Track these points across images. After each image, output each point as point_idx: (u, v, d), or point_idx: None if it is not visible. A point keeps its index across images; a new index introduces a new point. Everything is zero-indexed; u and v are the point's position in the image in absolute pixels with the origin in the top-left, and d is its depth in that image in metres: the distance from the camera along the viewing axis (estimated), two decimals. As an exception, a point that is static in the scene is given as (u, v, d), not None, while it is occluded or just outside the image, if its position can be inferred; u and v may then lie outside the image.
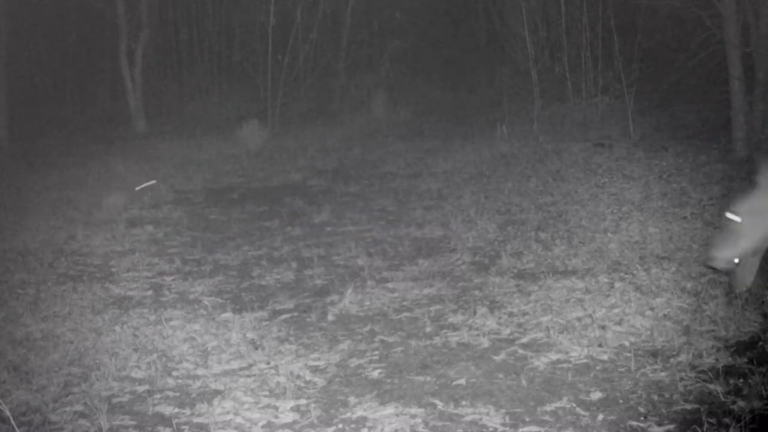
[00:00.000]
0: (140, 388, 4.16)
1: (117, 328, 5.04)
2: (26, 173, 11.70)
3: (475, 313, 4.93)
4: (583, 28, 13.54)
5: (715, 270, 4.03)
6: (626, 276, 5.30)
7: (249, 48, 19.01)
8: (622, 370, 3.98)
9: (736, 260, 4.36)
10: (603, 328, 4.47)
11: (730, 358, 3.97)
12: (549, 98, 13.65)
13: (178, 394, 4.09)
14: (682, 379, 3.79)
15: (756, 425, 3.32)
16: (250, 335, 4.84)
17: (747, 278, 4.41)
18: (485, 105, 15.11)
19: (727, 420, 3.36)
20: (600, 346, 4.27)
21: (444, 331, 4.73)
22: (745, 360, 3.90)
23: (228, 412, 3.82)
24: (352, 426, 3.63)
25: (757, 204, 3.93)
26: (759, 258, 4.41)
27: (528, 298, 5.09)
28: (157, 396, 4.07)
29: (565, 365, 4.10)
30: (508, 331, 4.64)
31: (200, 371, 4.37)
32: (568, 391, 3.79)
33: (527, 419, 3.57)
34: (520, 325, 4.70)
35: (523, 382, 3.94)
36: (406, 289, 5.58)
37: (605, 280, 5.26)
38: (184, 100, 18.79)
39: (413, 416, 3.66)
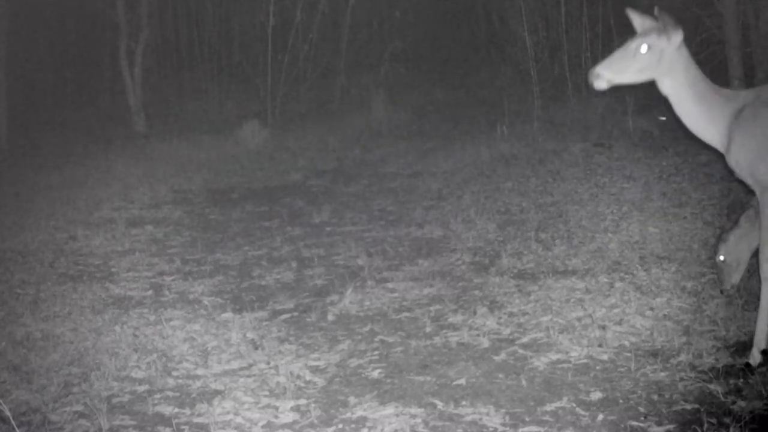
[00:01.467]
0: (140, 388, 4.16)
1: (117, 328, 5.05)
2: (26, 173, 11.69)
3: (475, 313, 4.93)
4: (583, 28, 13.53)
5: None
6: (626, 276, 5.30)
7: (249, 48, 18.99)
8: (622, 370, 3.98)
9: (722, 257, 4.40)
10: (603, 328, 4.47)
11: (730, 358, 3.97)
12: (549, 98, 13.63)
13: (178, 394, 4.09)
14: (682, 379, 3.80)
15: (756, 425, 3.32)
16: (250, 335, 4.84)
17: (734, 277, 4.45)
18: (485, 105, 15.10)
19: (727, 420, 3.36)
20: (600, 346, 4.27)
21: (444, 331, 4.73)
22: (745, 360, 3.90)
23: (228, 412, 3.83)
24: (352, 426, 3.63)
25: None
26: (747, 258, 4.44)
27: (528, 298, 5.09)
28: (157, 396, 4.07)
29: (565, 365, 4.10)
30: (508, 331, 4.64)
31: (200, 371, 4.37)
32: (568, 391, 3.80)
33: (527, 419, 3.57)
34: (520, 325, 4.70)
35: (523, 382, 3.94)
36: (406, 289, 5.58)
37: (605, 280, 5.26)
38: (184, 100, 18.77)
39: (413, 416, 3.67)
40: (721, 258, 4.44)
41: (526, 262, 5.92)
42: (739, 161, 3.89)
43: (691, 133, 4.08)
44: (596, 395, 3.74)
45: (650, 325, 4.47)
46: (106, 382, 4.21)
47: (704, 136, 4.04)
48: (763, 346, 3.88)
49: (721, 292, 4.55)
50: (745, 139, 3.84)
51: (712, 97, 3.99)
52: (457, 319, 4.89)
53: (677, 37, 3.93)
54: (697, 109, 3.97)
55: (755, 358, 3.86)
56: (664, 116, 8.82)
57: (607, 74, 4.03)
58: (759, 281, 4.74)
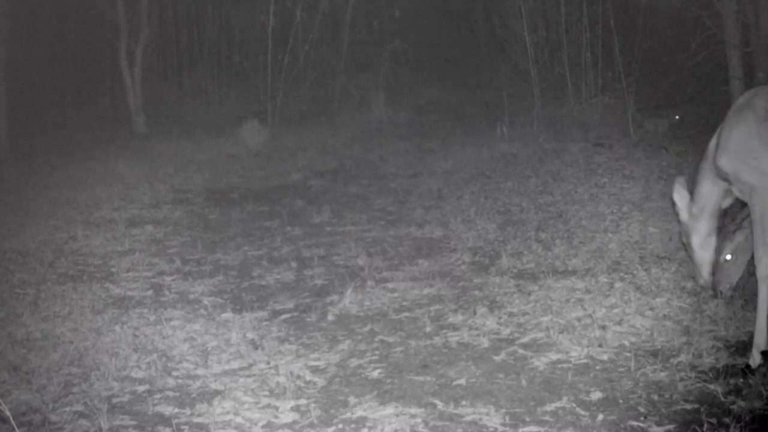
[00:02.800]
0: (140, 388, 4.16)
1: (117, 328, 5.05)
2: (26, 173, 11.70)
3: (475, 313, 4.93)
4: (583, 28, 13.55)
5: None
6: (626, 276, 5.31)
7: (249, 48, 19.00)
8: (622, 370, 3.98)
9: (728, 256, 4.41)
10: (603, 328, 4.47)
11: (730, 358, 3.97)
12: (549, 98, 13.64)
13: (178, 394, 4.09)
14: (682, 379, 3.80)
15: (756, 425, 3.32)
16: (250, 335, 4.84)
17: (733, 278, 4.46)
18: (485, 105, 15.11)
19: (727, 420, 3.36)
20: (600, 346, 4.27)
21: (444, 331, 4.73)
22: (745, 360, 3.90)
23: (228, 412, 3.83)
24: (352, 426, 3.63)
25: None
26: (745, 261, 4.44)
27: (528, 298, 5.09)
28: (157, 396, 4.07)
29: (565, 365, 4.10)
30: (508, 331, 4.64)
31: (200, 371, 4.37)
32: (568, 391, 3.80)
33: (527, 419, 3.57)
34: (520, 325, 4.70)
35: (523, 382, 3.94)
36: (406, 289, 5.58)
37: (605, 280, 5.26)
38: (184, 100, 18.79)
39: (413, 416, 3.66)
40: (728, 257, 4.43)
41: (526, 262, 5.92)
42: (725, 167, 4.06)
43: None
44: (596, 395, 3.74)
45: (650, 325, 4.47)
46: (106, 382, 4.21)
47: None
48: (763, 347, 3.88)
49: (720, 294, 4.50)
50: (724, 149, 4.10)
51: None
52: (457, 319, 4.89)
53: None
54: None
55: (755, 359, 3.86)
56: (677, 116, 8.87)
57: (703, 274, 4.52)
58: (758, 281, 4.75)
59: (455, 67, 18.65)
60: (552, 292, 5.14)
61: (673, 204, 4.60)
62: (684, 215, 4.49)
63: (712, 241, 4.42)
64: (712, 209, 4.38)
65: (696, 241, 4.45)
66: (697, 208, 4.41)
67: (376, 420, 3.66)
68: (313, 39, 17.89)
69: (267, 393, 4.03)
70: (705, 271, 4.48)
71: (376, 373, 4.21)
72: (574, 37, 13.90)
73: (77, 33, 20.06)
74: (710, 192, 4.32)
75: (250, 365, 4.41)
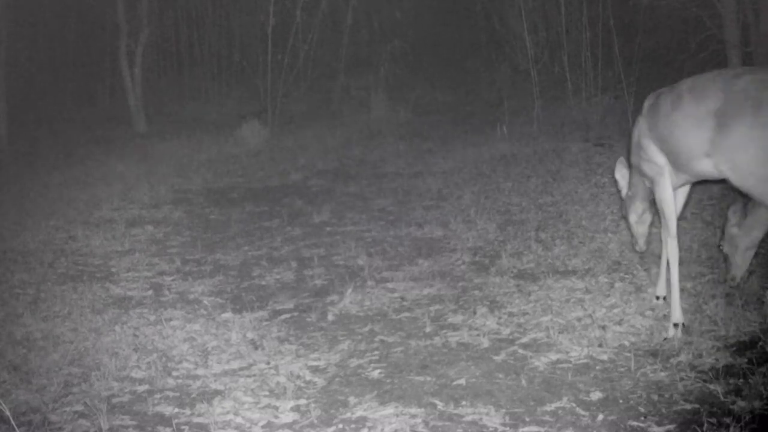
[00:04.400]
0: (140, 388, 4.16)
1: (117, 328, 5.05)
2: (26, 173, 11.70)
3: (475, 313, 4.93)
4: (583, 28, 13.55)
5: None
6: (626, 276, 5.30)
7: (249, 48, 19.02)
8: (622, 370, 3.98)
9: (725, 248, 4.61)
10: (603, 328, 4.47)
11: (730, 358, 3.96)
12: (549, 98, 13.64)
13: (178, 394, 4.09)
14: (682, 379, 3.79)
15: (756, 425, 3.32)
16: (250, 335, 4.84)
17: (742, 267, 4.57)
18: (485, 105, 15.11)
19: (727, 420, 3.36)
20: (600, 346, 4.27)
21: (444, 331, 4.73)
22: (745, 360, 3.90)
23: (228, 412, 3.83)
24: (352, 426, 3.63)
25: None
26: (753, 250, 4.53)
27: (528, 298, 5.09)
28: (157, 396, 4.07)
29: (565, 365, 4.10)
30: (508, 331, 4.64)
31: (200, 371, 4.38)
32: (568, 391, 3.80)
33: (527, 419, 3.57)
34: (520, 325, 4.70)
35: (523, 382, 3.94)
36: (406, 289, 5.58)
37: (605, 280, 5.26)
38: (184, 100, 18.79)
39: (413, 416, 3.66)
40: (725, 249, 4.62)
41: (526, 262, 5.92)
42: (633, 163, 4.69)
43: None
44: (596, 395, 3.73)
45: (650, 325, 4.47)
46: (106, 382, 4.21)
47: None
48: (674, 321, 4.27)
49: (726, 281, 4.69)
50: (630, 148, 4.66)
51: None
52: (457, 319, 4.89)
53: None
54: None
55: (670, 332, 4.26)
56: None
57: (640, 244, 5.01)
58: (759, 281, 4.76)
59: (455, 67, 18.65)
60: (552, 292, 5.14)
61: (616, 181, 5.06)
62: (624, 192, 4.99)
63: (648, 217, 4.90)
64: (643, 195, 4.83)
65: (633, 218, 4.92)
66: (632, 192, 4.89)
67: (376, 420, 3.66)
68: (313, 39, 17.90)
69: (267, 393, 4.03)
70: (642, 242, 4.99)
71: (376, 373, 4.21)
72: (574, 37, 13.90)
73: (77, 33, 20.08)
74: (638, 182, 4.78)
75: (250, 365, 4.41)
